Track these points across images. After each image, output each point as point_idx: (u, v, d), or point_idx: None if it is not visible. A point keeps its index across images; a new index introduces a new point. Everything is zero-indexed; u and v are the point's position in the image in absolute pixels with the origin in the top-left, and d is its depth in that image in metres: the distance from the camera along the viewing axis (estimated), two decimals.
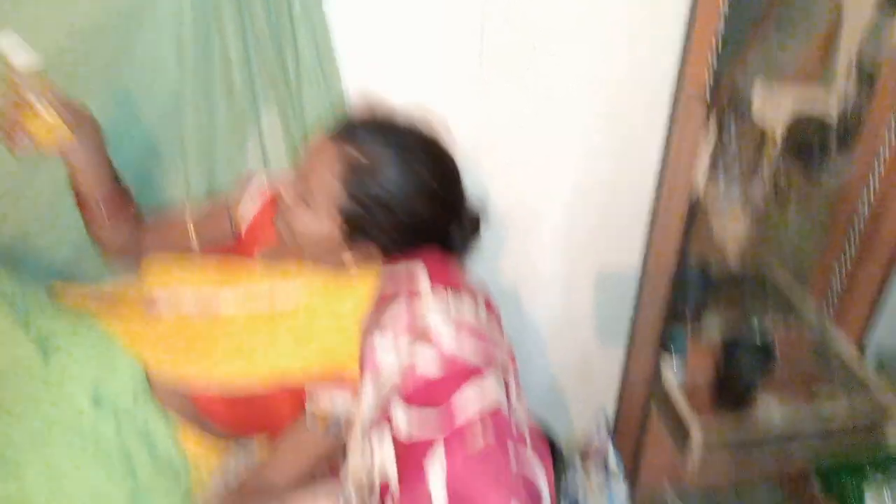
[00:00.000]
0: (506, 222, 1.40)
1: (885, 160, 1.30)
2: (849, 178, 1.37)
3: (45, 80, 0.91)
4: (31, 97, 0.91)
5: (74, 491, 0.91)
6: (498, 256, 1.46)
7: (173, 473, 0.99)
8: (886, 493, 1.69)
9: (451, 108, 1.20)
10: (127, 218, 1.09)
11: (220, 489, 1.02)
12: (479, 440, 0.78)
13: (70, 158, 0.98)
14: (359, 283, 1.00)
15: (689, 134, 1.08)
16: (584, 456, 1.65)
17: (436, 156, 0.99)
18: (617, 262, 1.51)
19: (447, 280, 0.96)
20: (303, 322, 0.98)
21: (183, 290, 1.04)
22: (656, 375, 1.38)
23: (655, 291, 1.26)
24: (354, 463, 0.89)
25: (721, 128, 1.33)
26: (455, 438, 0.78)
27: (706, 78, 1.05)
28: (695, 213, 1.14)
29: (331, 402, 0.96)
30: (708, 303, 1.42)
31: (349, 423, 0.94)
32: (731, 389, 1.36)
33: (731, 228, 1.39)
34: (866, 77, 1.29)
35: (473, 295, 0.97)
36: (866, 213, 1.36)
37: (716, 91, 1.11)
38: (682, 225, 1.14)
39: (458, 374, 0.83)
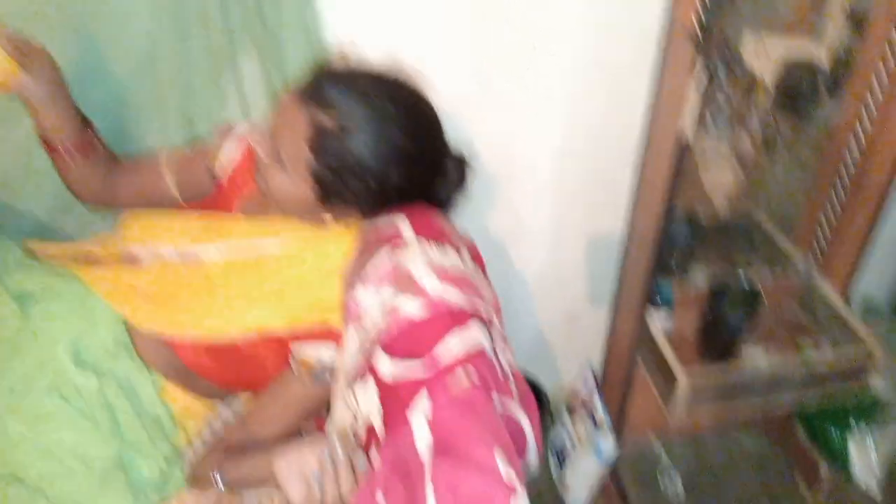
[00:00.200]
0: (492, 175, 1.39)
1: (872, 109, 1.29)
2: (837, 127, 1.36)
3: None
4: None
5: (57, 445, 0.91)
6: (485, 209, 1.45)
7: (160, 431, 0.99)
8: (869, 440, 1.72)
9: (435, 55, 1.18)
10: (98, 162, 1.06)
11: (206, 446, 1.02)
12: (464, 381, 0.78)
13: (26, 96, 0.95)
14: (341, 236, 0.98)
15: (678, 77, 1.06)
16: (572, 408, 1.67)
17: (413, 115, 0.93)
18: (605, 214, 1.50)
19: (431, 232, 0.94)
20: (285, 273, 0.96)
21: (164, 246, 1.02)
22: (643, 327, 1.38)
23: (643, 241, 1.25)
24: (339, 413, 0.89)
25: (711, 77, 1.32)
26: (439, 380, 0.78)
27: (694, 20, 1.02)
28: (683, 161, 1.12)
29: (316, 353, 0.95)
30: (695, 253, 1.42)
31: (334, 374, 0.94)
32: (717, 339, 1.37)
33: (719, 178, 1.39)
34: (856, 23, 1.27)
35: (458, 245, 0.95)
36: (853, 162, 1.36)
37: (706, 40, 1.09)
38: (671, 173, 1.13)
39: (443, 316, 0.82)
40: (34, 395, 0.91)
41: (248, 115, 1.19)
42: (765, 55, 1.33)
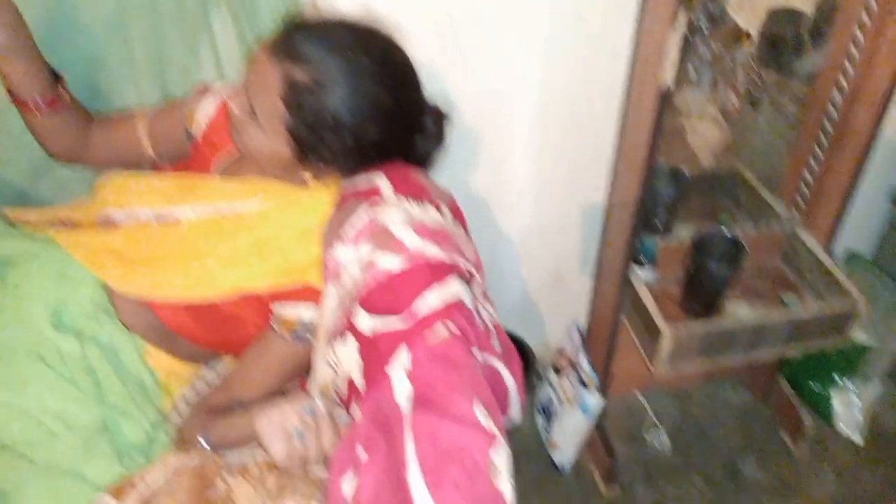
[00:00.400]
0: (471, 130, 1.37)
1: (856, 56, 1.27)
2: (821, 74, 1.34)
3: None
4: None
5: (41, 411, 0.90)
6: (468, 165, 1.44)
7: (144, 395, 0.99)
8: (852, 392, 1.75)
9: (409, 5, 1.15)
10: (70, 118, 1.04)
11: (190, 408, 1.02)
12: (443, 333, 0.78)
13: None
14: (319, 195, 0.97)
15: (659, 29, 1.04)
16: (558, 367, 1.68)
17: (389, 68, 0.91)
18: (590, 173, 1.49)
19: (410, 188, 0.93)
20: (263, 233, 0.95)
21: (140, 208, 1.01)
22: (627, 283, 1.38)
23: (626, 195, 1.24)
24: (320, 370, 0.89)
25: (694, 28, 1.30)
26: (418, 332, 0.78)
27: None
28: (664, 114, 1.11)
29: (296, 312, 0.95)
30: (678, 208, 1.42)
31: (315, 332, 0.93)
32: (701, 293, 1.37)
33: (703, 131, 1.38)
34: None
35: (438, 202, 0.95)
36: (837, 111, 1.35)
37: None
38: (653, 126, 1.11)
39: (422, 270, 0.82)
40: (16, 361, 0.90)
41: (223, 73, 1.17)
42: (749, 6, 1.31)
